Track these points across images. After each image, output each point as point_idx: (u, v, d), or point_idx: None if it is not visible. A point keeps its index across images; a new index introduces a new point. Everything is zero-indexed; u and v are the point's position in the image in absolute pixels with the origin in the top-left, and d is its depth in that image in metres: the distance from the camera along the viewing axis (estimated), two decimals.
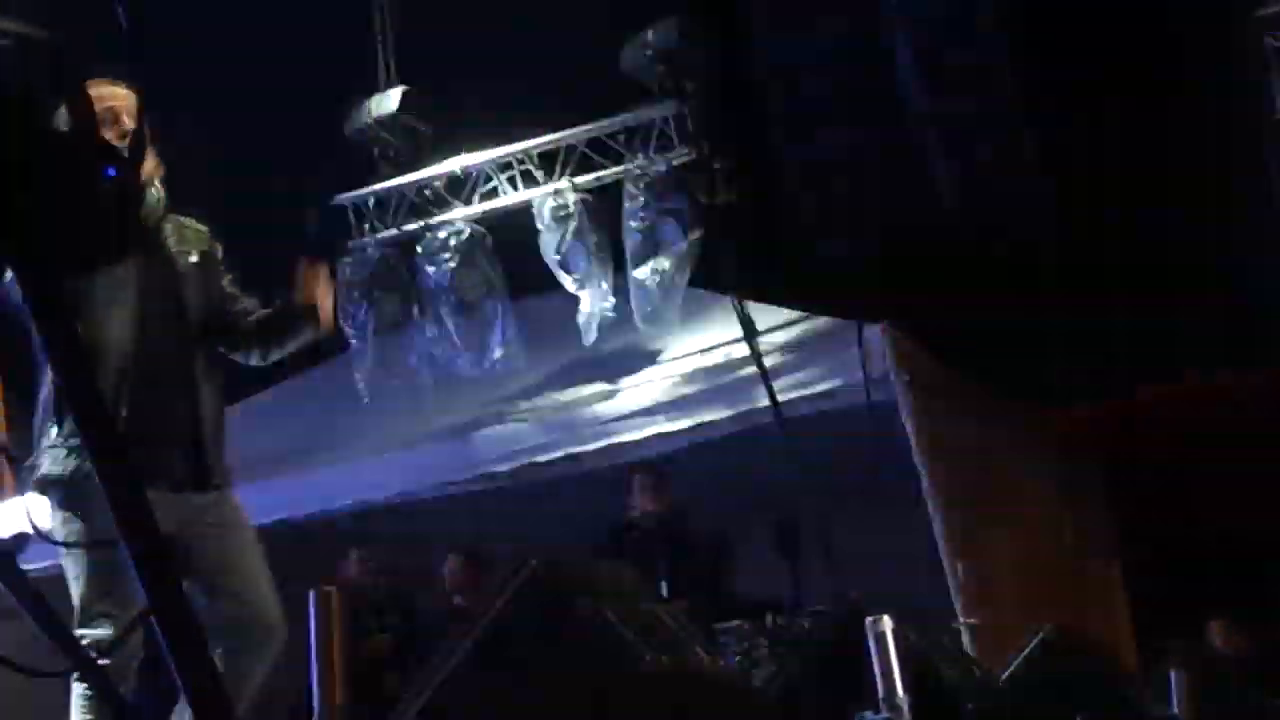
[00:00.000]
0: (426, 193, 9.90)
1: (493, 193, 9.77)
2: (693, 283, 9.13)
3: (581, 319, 9.25)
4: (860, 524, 9.11)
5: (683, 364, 9.47)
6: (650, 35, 8.97)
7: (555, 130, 9.57)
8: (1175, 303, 10.67)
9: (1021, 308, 9.36)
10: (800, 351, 8.97)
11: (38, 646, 2.09)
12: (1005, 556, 9.37)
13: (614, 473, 9.51)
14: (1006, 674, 6.22)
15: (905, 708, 4.14)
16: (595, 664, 3.80)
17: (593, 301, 9.23)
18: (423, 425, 9.95)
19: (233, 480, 5.01)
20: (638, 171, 9.21)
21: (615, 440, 9.13)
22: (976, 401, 9.35)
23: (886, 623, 4.13)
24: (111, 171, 1.76)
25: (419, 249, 9.79)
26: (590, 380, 9.66)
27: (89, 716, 4.45)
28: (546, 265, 9.43)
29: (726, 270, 9.03)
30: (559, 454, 9.28)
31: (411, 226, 9.90)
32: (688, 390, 9.10)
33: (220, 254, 5.20)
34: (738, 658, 8.73)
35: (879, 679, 4.11)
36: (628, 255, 9.16)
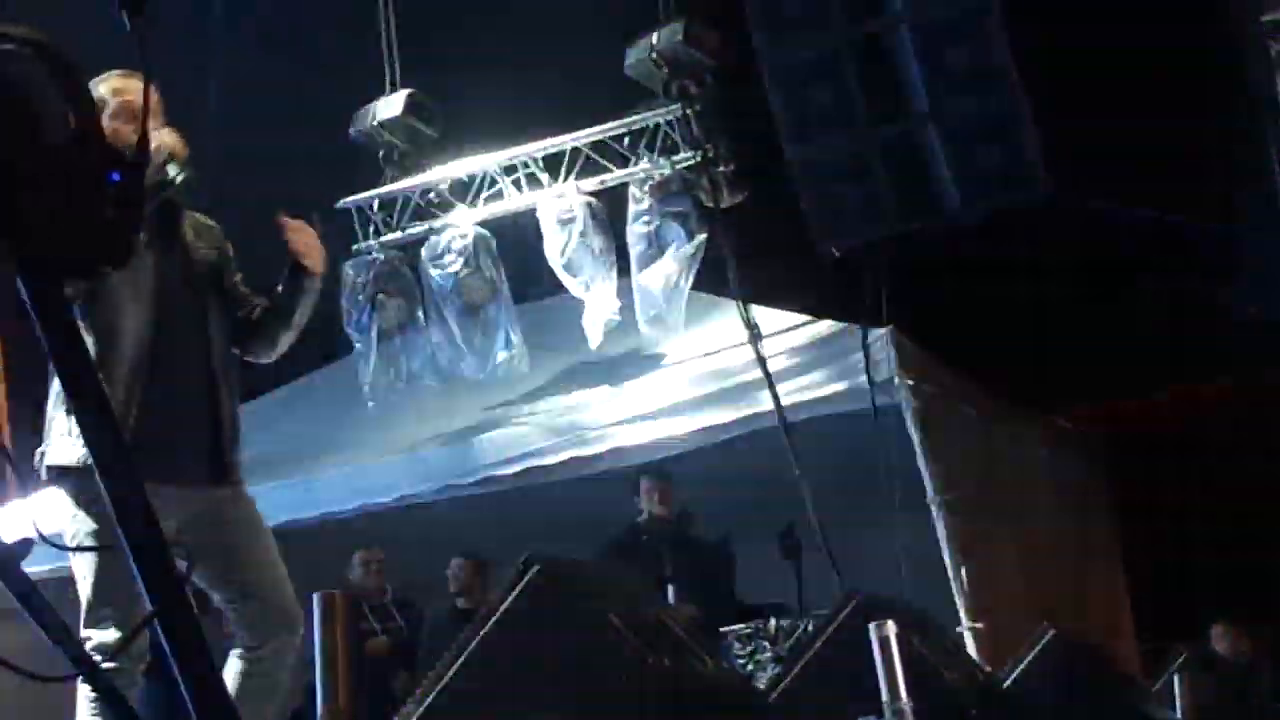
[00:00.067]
0: (431, 196, 9.90)
1: (497, 196, 9.77)
2: (697, 286, 9.12)
3: (587, 322, 9.24)
4: (864, 528, 9.11)
5: (687, 367, 9.46)
6: (655, 38, 8.97)
7: (560, 133, 9.56)
8: (1178, 307, 10.67)
9: (1025, 311, 9.37)
10: (804, 355, 8.96)
11: (49, 648, 2.09)
12: (1009, 561, 9.38)
13: (618, 476, 9.51)
14: (1009, 678, 6.22)
15: (908, 712, 4.14)
16: (598, 668, 3.79)
17: (598, 305, 9.23)
18: (426, 428, 9.94)
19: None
20: (642, 174, 9.20)
21: (619, 444, 9.13)
22: (980, 405, 9.36)
23: (890, 627, 4.14)
24: (116, 176, 1.77)
25: (423, 252, 9.78)
26: (594, 383, 9.66)
27: None
28: (551, 268, 9.42)
29: (731, 273, 9.02)
30: (563, 457, 9.28)
31: (416, 230, 9.90)
32: (692, 394, 9.09)
33: (230, 253, 5.21)
34: (741, 661, 8.75)
35: (882, 683, 4.11)
36: (632, 258, 9.15)
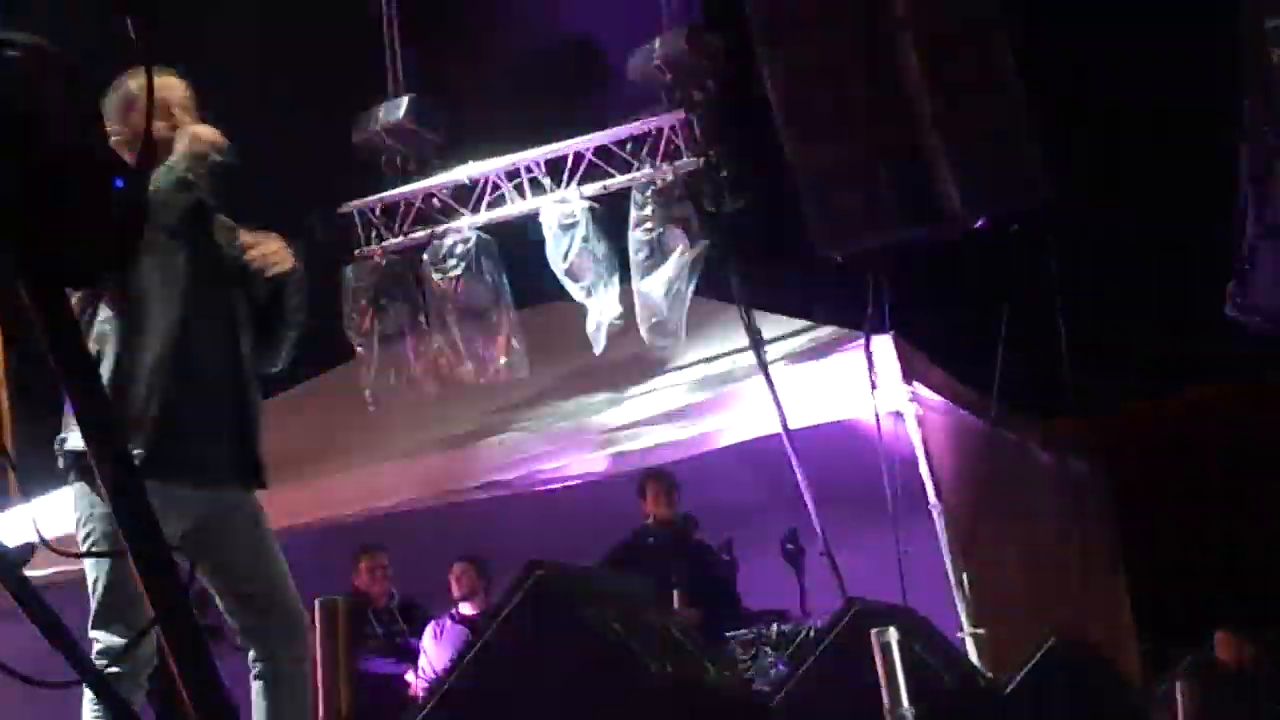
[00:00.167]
0: (434, 201, 9.90)
1: (500, 201, 9.77)
2: (699, 291, 9.12)
3: (590, 328, 9.24)
4: (866, 533, 9.11)
5: (688, 373, 9.46)
6: (658, 43, 8.97)
7: (562, 139, 9.56)
8: (1179, 312, 10.67)
9: (1027, 317, 9.36)
10: (806, 360, 8.96)
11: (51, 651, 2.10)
12: (1010, 566, 9.38)
13: (619, 481, 9.51)
14: (1011, 684, 6.22)
15: (910, 718, 4.14)
16: (600, 674, 3.80)
17: (600, 310, 9.22)
18: (428, 433, 9.94)
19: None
20: (645, 180, 9.20)
21: (620, 449, 9.12)
22: (982, 410, 9.35)
23: (891, 633, 4.14)
24: (119, 182, 1.77)
25: (425, 257, 9.78)
26: (596, 389, 9.66)
27: None
28: (553, 273, 9.42)
29: (733, 278, 9.02)
30: (564, 462, 9.28)
31: (418, 234, 9.90)
32: (693, 399, 9.09)
33: None
34: (743, 667, 8.75)
35: (883, 690, 4.11)
36: (634, 264, 9.15)
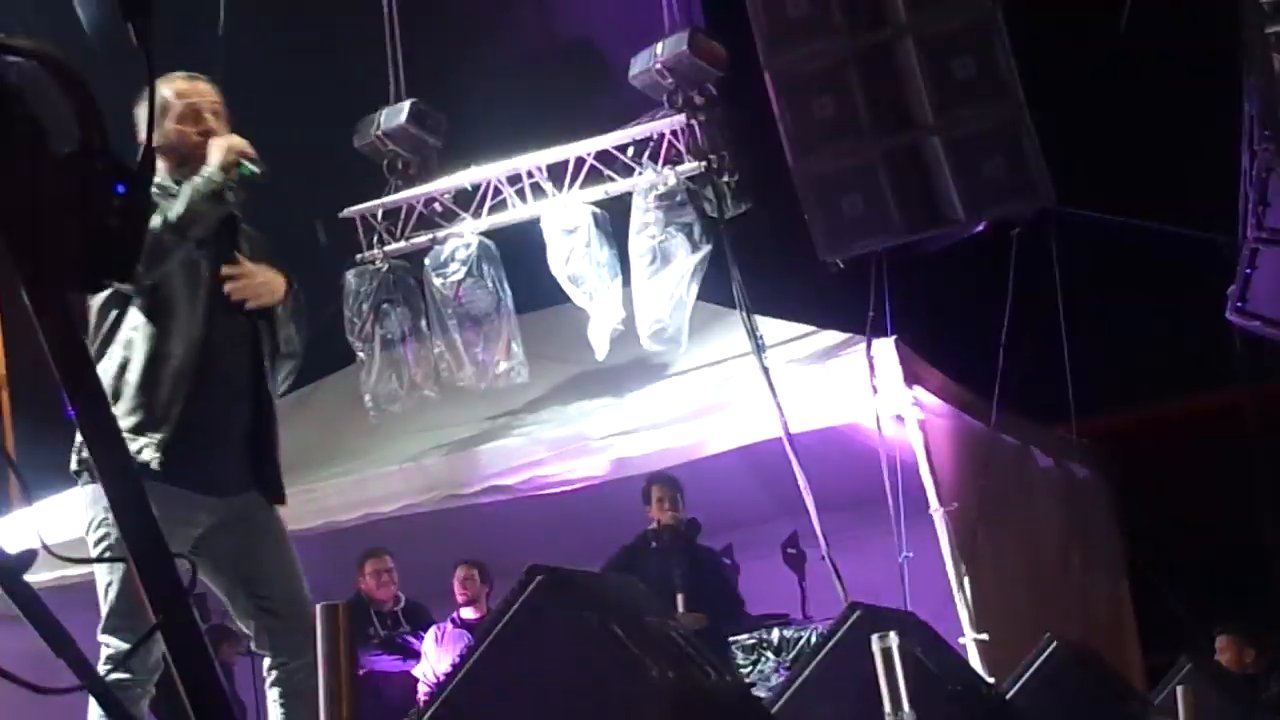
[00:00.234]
0: (435, 205, 9.90)
1: (501, 205, 9.76)
2: (701, 296, 9.12)
3: (592, 333, 9.24)
4: (867, 538, 9.11)
5: (690, 377, 9.46)
6: (659, 48, 8.97)
7: (564, 143, 9.56)
8: (1182, 318, 10.67)
9: (1029, 322, 9.36)
10: (808, 365, 8.96)
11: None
12: (1012, 571, 9.37)
13: (620, 486, 9.51)
14: (1013, 689, 6.22)
15: None
16: (601, 678, 3.79)
17: (602, 315, 9.22)
18: (429, 438, 9.94)
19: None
20: (646, 185, 9.19)
21: (622, 454, 9.12)
22: (984, 415, 9.35)
23: (892, 638, 4.13)
24: (121, 188, 1.77)
25: (427, 262, 9.78)
26: (598, 394, 9.65)
27: None
28: (555, 278, 9.42)
29: (735, 283, 9.02)
30: (566, 467, 9.27)
31: (420, 239, 9.89)
32: (695, 404, 9.09)
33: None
34: (745, 671, 8.75)
35: (884, 695, 4.10)
36: (635, 270, 9.14)
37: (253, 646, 4.99)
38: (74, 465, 4.68)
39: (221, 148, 4.80)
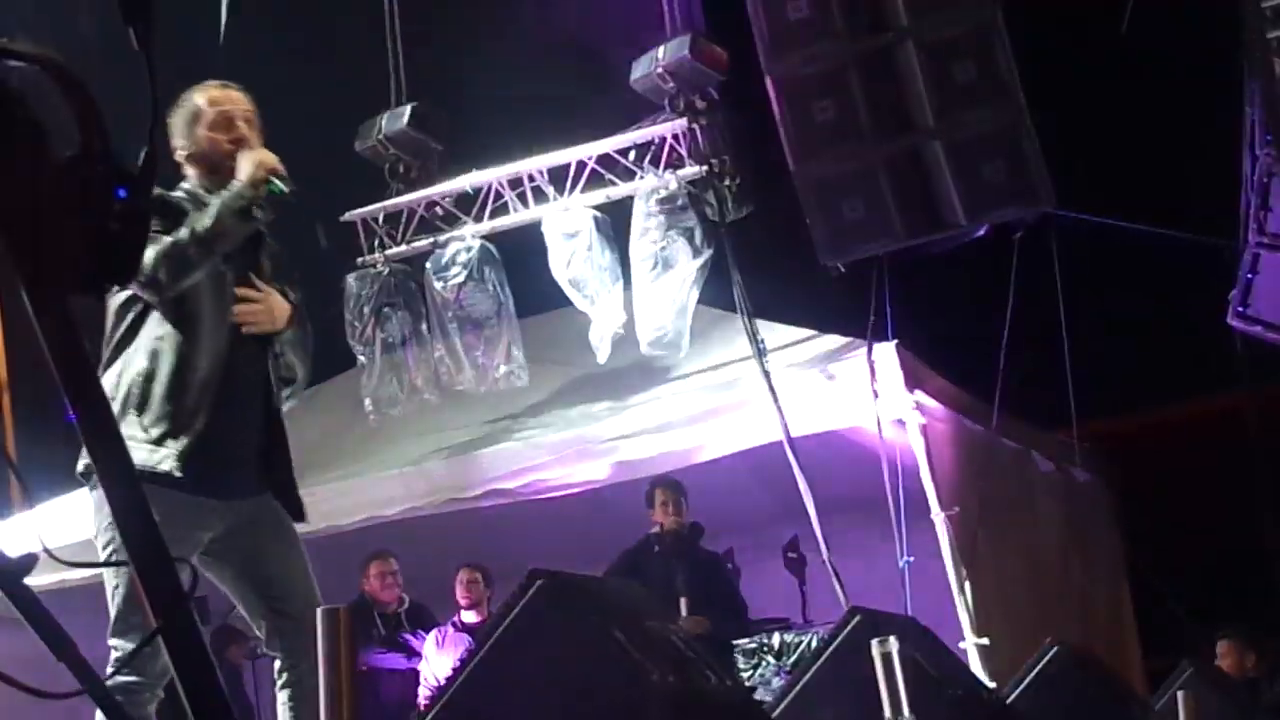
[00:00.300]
0: (436, 209, 9.90)
1: (502, 209, 9.77)
2: (702, 300, 9.12)
3: (593, 337, 9.24)
4: (868, 542, 9.11)
5: (691, 381, 9.46)
6: (661, 52, 8.97)
7: (565, 147, 9.56)
8: (1183, 322, 10.67)
9: (1030, 325, 9.37)
10: (809, 369, 8.96)
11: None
12: (1013, 576, 9.37)
13: (621, 490, 9.51)
14: (1013, 694, 6.22)
15: None
16: (601, 682, 3.79)
17: (603, 319, 9.22)
18: (430, 442, 9.94)
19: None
20: (648, 189, 9.19)
21: (623, 458, 9.12)
22: (985, 419, 9.35)
23: (892, 643, 4.13)
24: (122, 192, 1.77)
25: (428, 265, 9.78)
26: (599, 397, 9.65)
27: None
28: (556, 282, 9.42)
29: (736, 287, 9.02)
30: (567, 471, 9.27)
31: (421, 243, 9.89)
32: (696, 408, 9.08)
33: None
34: (745, 676, 8.75)
35: (885, 699, 4.10)
36: (637, 275, 9.14)
37: (263, 648, 5.01)
38: (81, 468, 4.68)
39: (252, 161, 4.81)
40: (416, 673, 9.99)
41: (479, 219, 9.79)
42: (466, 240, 9.72)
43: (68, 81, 1.79)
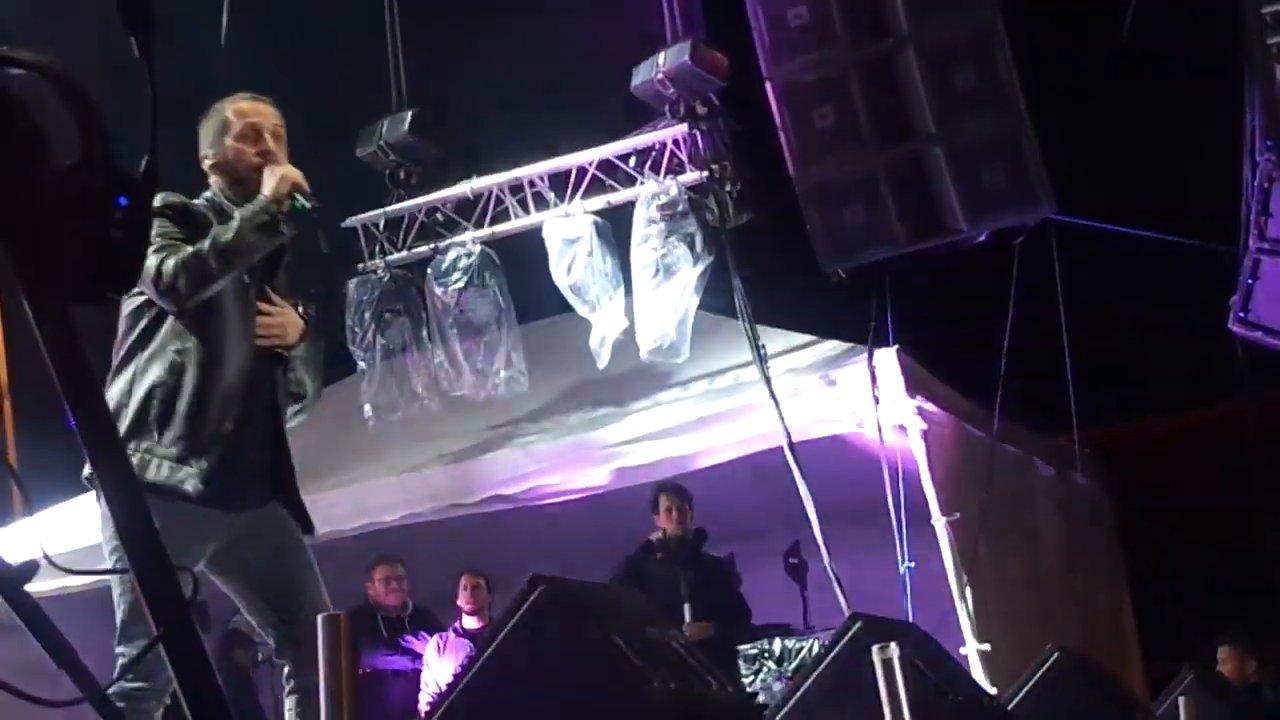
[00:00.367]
0: (437, 215, 9.90)
1: (503, 215, 9.77)
2: (703, 305, 9.12)
3: (594, 342, 9.24)
4: (868, 548, 9.10)
5: (692, 387, 9.46)
6: (661, 58, 8.97)
7: (566, 152, 9.56)
8: (1183, 329, 10.67)
9: (1031, 332, 9.37)
10: (810, 375, 8.96)
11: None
12: (1014, 582, 9.37)
13: (621, 496, 9.51)
14: (1014, 700, 6.21)
15: None
16: (602, 689, 3.79)
17: (605, 325, 9.22)
18: (431, 448, 9.94)
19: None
20: (649, 194, 9.19)
21: (624, 464, 9.12)
22: (985, 426, 9.35)
23: (893, 649, 4.13)
24: (123, 200, 1.77)
25: (429, 271, 9.79)
26: (599, 403, 9.65)
27: None
28: (557, 288, 9.42)
29: (737, 293, 9.02)
30: (567, 477, 9.27)
31: (422, 249, 9.90)
32: (697, 413, 9.09)
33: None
34: (746, 681, 8.75)
35: (886, 705, 4.10)
36: (638, 282, 9.14)
37: (273, 656, 5.01)
38: (86, 473, 4.68)
39: (277, 176, 4.80)
40: (419, 675, 9.99)
41: (480, 225, 9.79)
42: (467, 246, 9.72)
43: (68, 88, 1.79)
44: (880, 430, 8.48)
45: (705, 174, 9.09)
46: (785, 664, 8.85)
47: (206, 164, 4.98)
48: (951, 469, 8.72)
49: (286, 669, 4.88)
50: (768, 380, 8.65)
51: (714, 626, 9.01)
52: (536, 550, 9.84)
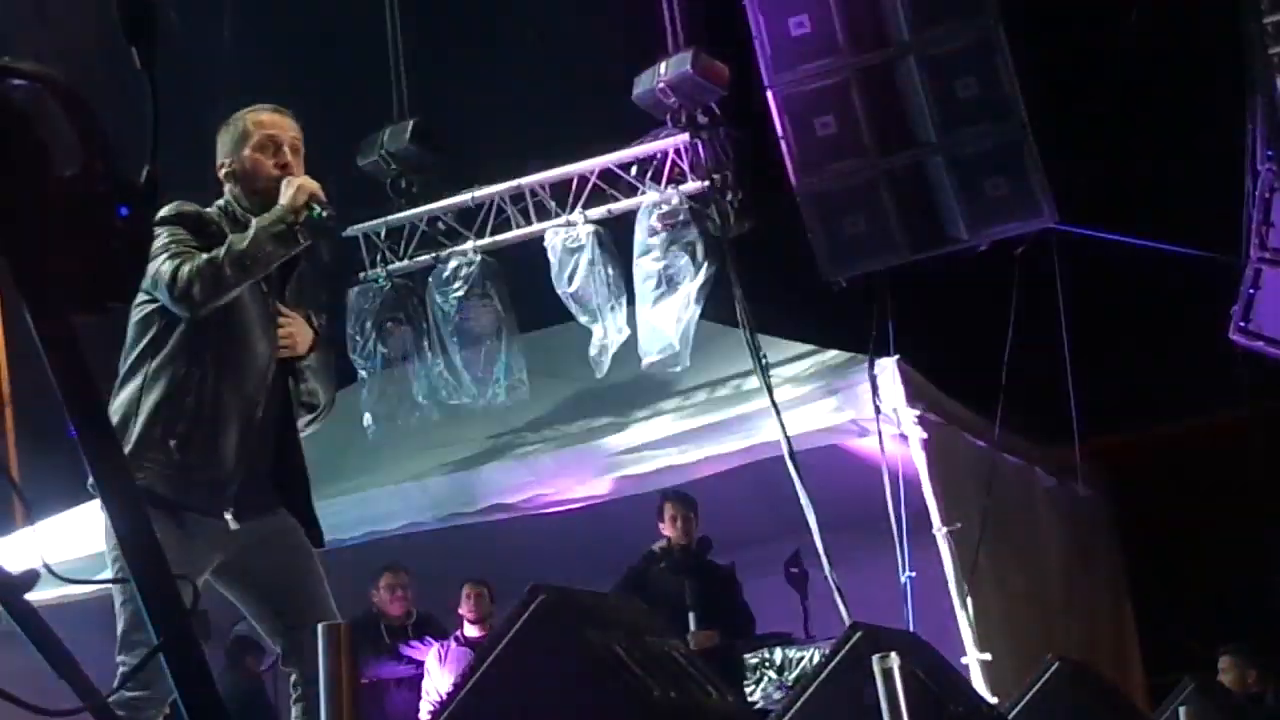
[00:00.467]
0: (438, 224, 9.91)
1: (504, 224, 9.77)
2: (704, 314, 9.12)
3: (594, 351, 9.23)
4: (869, 557, 9.10)
5: (693, 396, 9.46)
6: (663, 67, 8.98)
7: (567, 162, 9.57)
8: (1185, 338, 10.67)
9: (1032, 341, 9.37)
10: (810, 384, 8.96)
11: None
12: (1014, 592, 9.36)
13: (622, 505, 9.50)
14: (1015, 710, 6.20)
15: None
16: (603, 698, 3.79)
17: (605, 334, 9.22)
18: (431, 457, 9.94)
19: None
20: (650, 203, 9.19)
21: (625, 472, 9.12)
22: (986, 435, 9.35)
23: (894, 658, 4.13)
24: (124, 210, 1.78)
25: (430, 280, 9.79)
26: (600, 412, 9.65)
27: None
28: (558, 297, 9.42)
29: (738, 302, 9.02)
30: (568, 486, 9.27)
31: (423, 258, 9.90)
32: (697, 423, 9.09)
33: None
34: (747, 691, 8.74)
35: (886, 715, 4.10)
36: (639, 293, 9.14)
37: (280, 664, 5.01)
38: (91, 480, 4.68)
39: (294, 186, 4.81)
40: (421, 681, 9.99)
41: (481, 234, 9.79)
42: (468, 255, 9.72)
43: (70, 100, 1.79)
44: (881, 439, 8.48)
45: (706, 183, 9.09)
46: (786, 673, 8.83)
47: (223, 172, 4.98)
48: (952, 478, 8.71)
49: (293, 677, 4.88)
50: (769, 389, 8.65)
51: (719, 634, 9.00)
52: (536, 559, 9.83)
